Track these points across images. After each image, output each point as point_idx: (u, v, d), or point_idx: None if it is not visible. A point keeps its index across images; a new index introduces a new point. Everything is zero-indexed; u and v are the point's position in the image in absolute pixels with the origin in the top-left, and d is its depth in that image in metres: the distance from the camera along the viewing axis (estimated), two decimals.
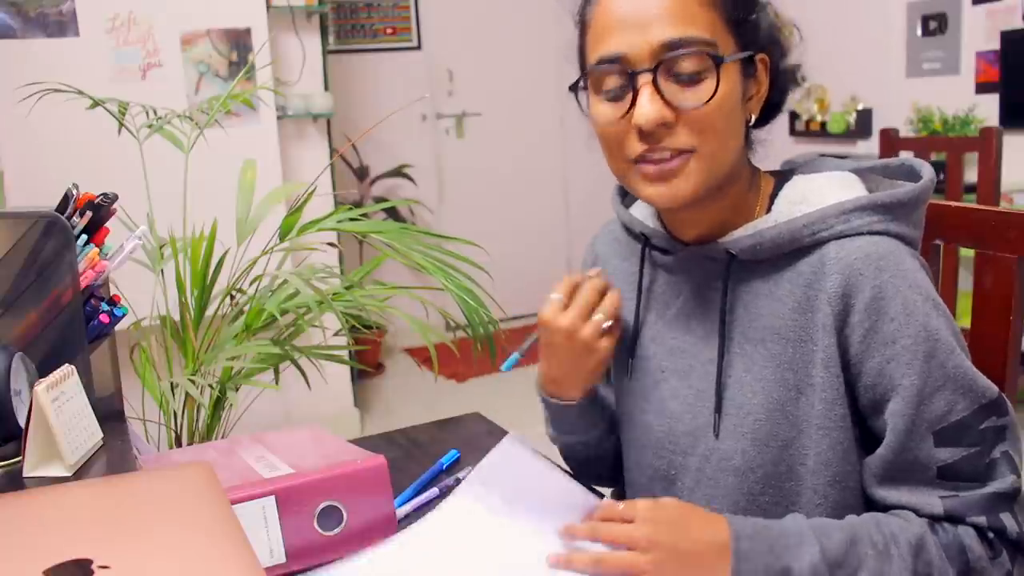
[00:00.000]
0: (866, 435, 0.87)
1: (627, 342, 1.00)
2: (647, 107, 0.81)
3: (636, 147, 0.84)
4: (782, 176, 0.94)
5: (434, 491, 1.00)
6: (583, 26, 0.88)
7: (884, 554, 0.78)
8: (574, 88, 0.89)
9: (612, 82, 0.84)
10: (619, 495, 1.11)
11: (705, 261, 0.92)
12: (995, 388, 0.82)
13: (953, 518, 0.80)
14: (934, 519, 0.81)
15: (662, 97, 0.81)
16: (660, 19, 0.80)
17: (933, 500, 0.81)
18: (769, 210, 0.90)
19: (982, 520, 0.79)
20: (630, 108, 0.82)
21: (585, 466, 1.10)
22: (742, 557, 0.77)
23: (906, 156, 0.96)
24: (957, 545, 0.79)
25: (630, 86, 0.82)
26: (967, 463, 0.80)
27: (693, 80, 0.81)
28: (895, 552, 0.78)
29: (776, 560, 0.77)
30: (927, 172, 0.89)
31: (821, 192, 0.88)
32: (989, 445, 0.80)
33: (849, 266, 0.83)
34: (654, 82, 0.81)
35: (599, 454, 1.08)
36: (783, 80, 0.91)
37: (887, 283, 0.81)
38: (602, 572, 0.79)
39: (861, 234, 0.84)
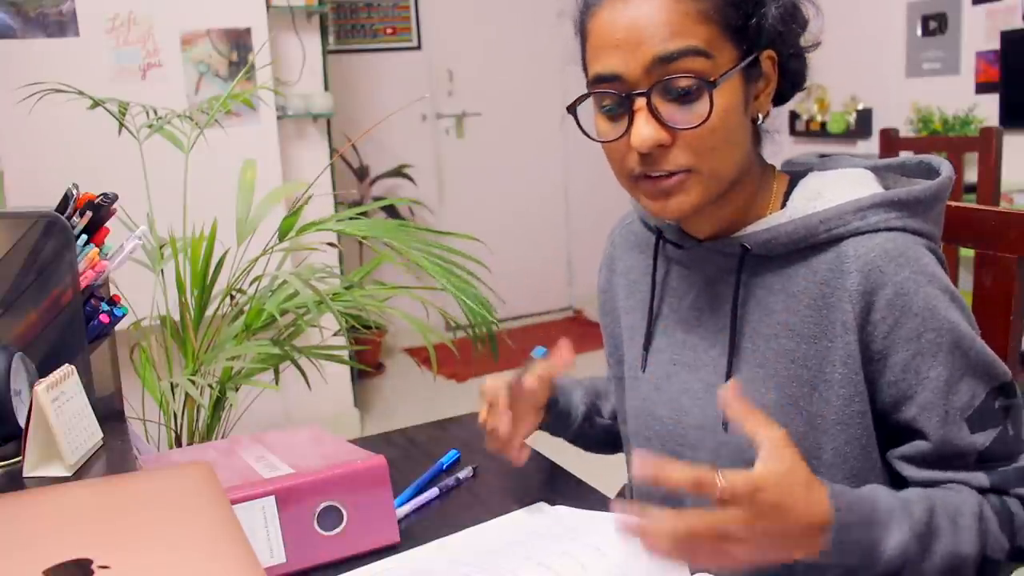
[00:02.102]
0: (883, 432, 0.87)
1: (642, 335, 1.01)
2: (643, 131, 0.81)
3: (636, 166, 0.85)
4: (796, 174, 0.94)
5: (434, 491, 1.00)
6: (583, 36, 0.89)
7: (954, 524, 0.80)
8: (572, 109, 0.88)
9: (610, 99, 0.84)
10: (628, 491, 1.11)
11: (718, 256, 0.93)
12: (1008, 372, 0.84)
13: (997, 490, 0.83)
14: (981, 491, 0.83)
15: (657, 119, 0.81)
16: (653, 36, 0.80)
17: (979, 476, 0.83)
18: (783, 207, 0.91)
19: (1022, 491, 0.83)
20: (627, 130, 0.83)
21: (594, 445, 1.15)
22: (841, 531, 0.75)
23: (925, 155, 0.95)
24: (1006, 512, 0.82)
25: (626, 107, 0.83)
26: (999, 444, 0.83)
27: (688, 98, 0.81)
28: (962, 522, 0.80)
29: (868, 534, 0.77)
30: (946, 169, 0.89)
31: (836, 188, 0.89)
32: (1006, 423, 0.83)
33: (868, 263, 0.83)
34: (649, 104, 0.81)
35: (596, 433, 1.13)
36: (795, 64, 0.89)
37: (907, 279, 0.82)
38: (691, 562, 0.73)
39: (879, 230, 0.84)
